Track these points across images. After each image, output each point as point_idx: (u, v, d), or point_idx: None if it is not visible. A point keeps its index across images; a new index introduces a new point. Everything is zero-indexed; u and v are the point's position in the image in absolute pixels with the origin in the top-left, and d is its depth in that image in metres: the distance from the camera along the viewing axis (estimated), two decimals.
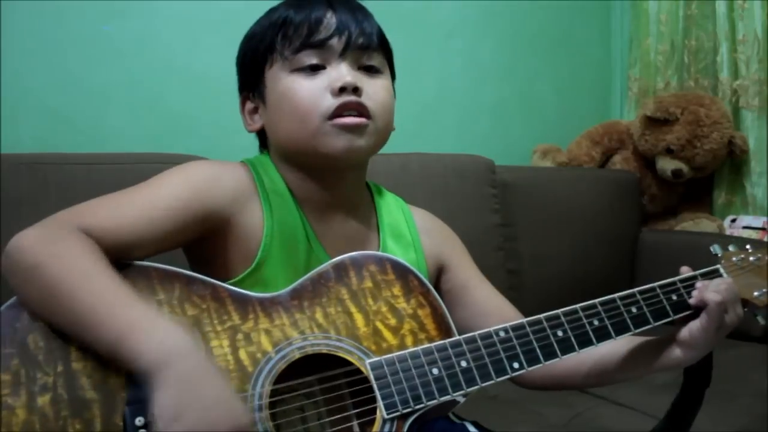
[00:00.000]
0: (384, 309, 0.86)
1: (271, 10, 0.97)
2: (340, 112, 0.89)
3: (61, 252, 0.74)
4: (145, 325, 0.70)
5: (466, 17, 2.27)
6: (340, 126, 0.89)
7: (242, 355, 0.78)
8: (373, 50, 0.95)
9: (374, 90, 0.93)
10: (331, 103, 0.89)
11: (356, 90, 0.90)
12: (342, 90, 0.89)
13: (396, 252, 0.99)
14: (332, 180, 0.96)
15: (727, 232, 2.21)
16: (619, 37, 2.63)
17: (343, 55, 0.91)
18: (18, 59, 1.57)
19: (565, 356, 0.86)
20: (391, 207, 1.06)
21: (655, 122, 2.24)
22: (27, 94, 1.59)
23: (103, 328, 0.70)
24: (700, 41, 2.40)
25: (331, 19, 0.91)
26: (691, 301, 0.91)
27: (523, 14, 2.39)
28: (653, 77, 2.49)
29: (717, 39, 2.31)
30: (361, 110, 0.90)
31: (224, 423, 0.66)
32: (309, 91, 0.90)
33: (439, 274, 1.06)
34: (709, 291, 0.89)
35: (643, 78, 2.52)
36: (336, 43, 0.91)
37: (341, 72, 0.90)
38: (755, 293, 0.97)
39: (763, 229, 2.12)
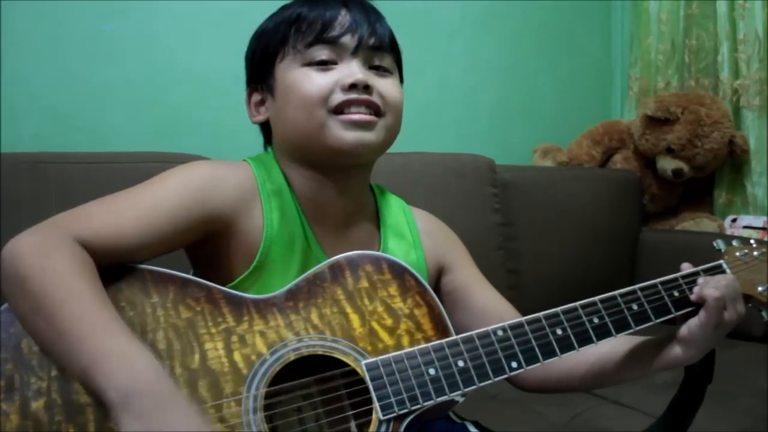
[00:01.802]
0: (380, 309, 0.85)
1: (284, 7, 0.97)
2: (347, 106, 0.89)
3: (52, 267, 0.73)
4: (115, 354, 0.68)
5: (468, 17, 2.27)
6: (349, 121, 0.90)
7: (237, 357, 0.77)
8: (384, 51, 0.96)
9: (385, 88, 0.94)
10: (339, 97, 0.90)
11: (367, 88, 0.91)
12: (352, 87, 0.90)
13: (397, 253, 0.98)
14: (337, 179, 0.96)
15: (728, 231, 2.21)
16: (619, 36, 2.63)
17: (355, 53, 0.92)
18: (18, 59, 1.57)
19: (564, 355, 0.85)
20: (392, 208, 1.06)
21: (655, 122, 2.24)
22: (27, 93, 1.59)
23: (75, 353, 0.69)
24: (701, 41, 2.40)
25: (345, 18, 0.92)
26: (692, 297, 0.90)
27: (523, 14, 2.39)
28: (654, 77, 2.49)
29: (718, 38, 2.31)
30: (371, 107, 0.91)
31: None
32: (319, 84, 0.90)
33: (439, 276, 1.06)
34: (709, 287, 0.89)
35: (644, 77, 2.52)
36: (349, 40, 0.92)
37: (352, 69, 0.91)
38: (759, 289, 0.96)
39: (763, 228, 2.11)
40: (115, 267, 0.79)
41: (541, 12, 2.42)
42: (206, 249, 0.91)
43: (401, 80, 1.01)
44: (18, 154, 1.36)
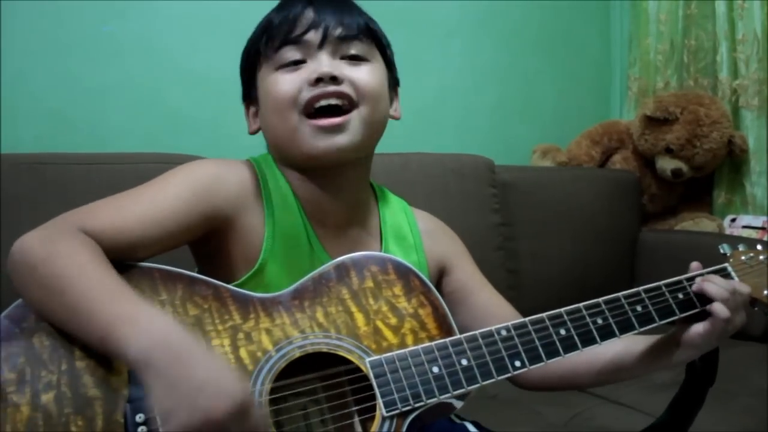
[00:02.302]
0: (385, 308, 0.86)
1: (262, 19, 0.98)
2: (316, 101, 0.89)
3: (59, 251, 0.75)
4: (130, 317, 0.69)
5: (466, 17, 2.27)
6: (317, 127, 0.90)
7: (243, 353, 0.78)
8: (354, 39, 0.94)
9: (357, 75, 0.93)
10: (307, 94, 0.90)
11: (335, 79, 0.90)
12: (319, 81, 0.89)
13: (398, 254, 0.99)
14: (330, 178, 0.96)
15: (727, 231, 2.21)
16: (618, 36, 2.63)
17: (321, 47, 0.92)
18: (18, 59, 1.57)
19: (567, 354, 0.85)
20: (393, 209, 1.06)
21: (654, 122, 2.24)
22: (27, 94, 1.59)
23: (91, 323, 0.70)
24: (700, 41, 2.40)
25: (308, 15, 0.93)
26: (694, 288, 0.91)
27: (522, 14, 2.39)
28: (653, 77, 2.50)
29: (716, 38, 2.31)
30: (342, 97, 0.91)
31: (217, 403, 0.64)
32: (289, 84, 0.91)
33: (440, 277, 1.06)
34: (720, 304, 0.88)
35: (643, 77, 2.52)
36: (313, 36, 0.92)
37: (319, 63, 0.91)
38: (765, 292, 0.96)
39: (762, 228, 2.12)
40: (123, 265, 0.80)
41: (540, 12, 2.42)
42: (208, 247, 0.92)
43: (391, 66, 1.01)
44: (18, 155, 1.36)
